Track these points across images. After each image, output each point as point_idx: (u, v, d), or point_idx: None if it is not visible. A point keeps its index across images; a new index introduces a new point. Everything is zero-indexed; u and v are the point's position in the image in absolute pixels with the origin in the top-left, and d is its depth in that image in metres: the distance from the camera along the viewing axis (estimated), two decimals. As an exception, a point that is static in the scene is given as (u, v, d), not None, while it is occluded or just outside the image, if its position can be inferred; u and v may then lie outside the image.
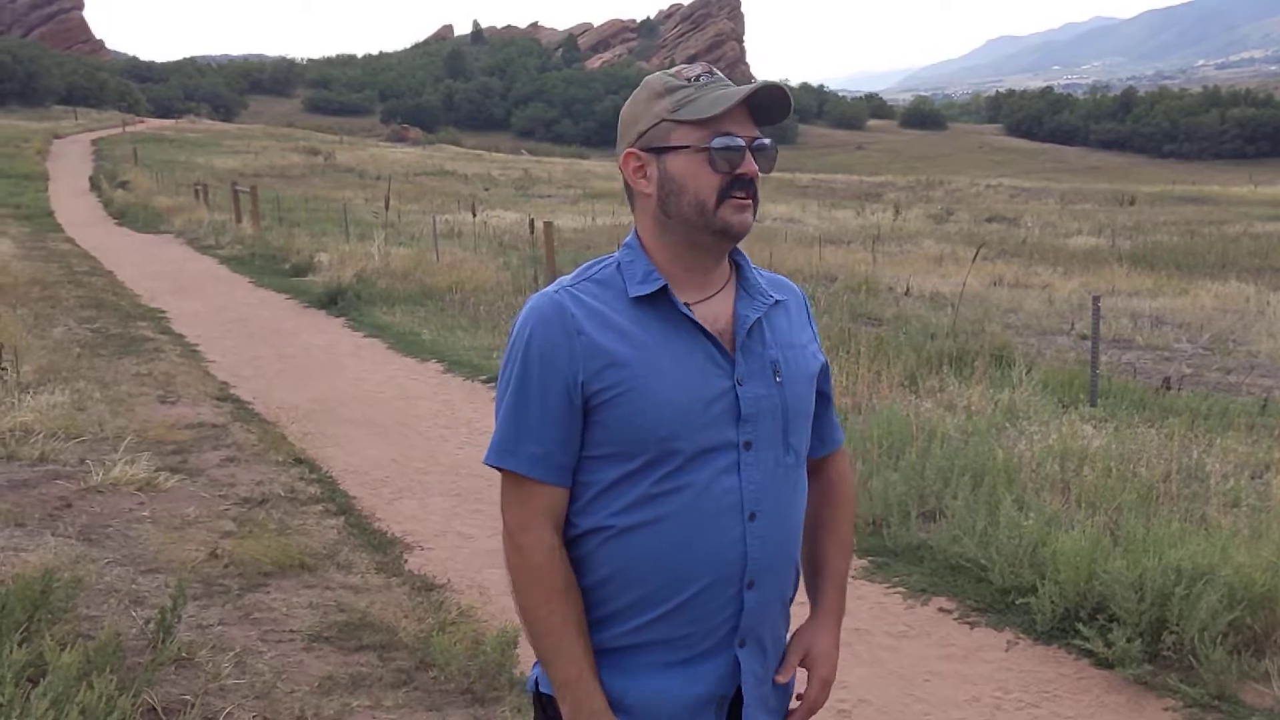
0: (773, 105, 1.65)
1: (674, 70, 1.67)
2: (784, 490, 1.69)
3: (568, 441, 1.62)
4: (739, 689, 1.70)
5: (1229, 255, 24.24)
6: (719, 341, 1.64)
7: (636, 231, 1.71)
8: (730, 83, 1.65)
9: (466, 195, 38.33)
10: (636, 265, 1.66)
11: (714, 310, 1.67)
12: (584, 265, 1.72)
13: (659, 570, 1.62)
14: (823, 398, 1.82)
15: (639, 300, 1.63)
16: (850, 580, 2.03)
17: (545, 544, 1.62)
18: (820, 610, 1.85)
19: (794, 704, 1.81)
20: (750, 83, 1.63)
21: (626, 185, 1.70)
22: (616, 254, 1.71)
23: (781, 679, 1.75)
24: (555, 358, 1.61)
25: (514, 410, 1.64)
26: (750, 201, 1.63)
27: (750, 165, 1.62)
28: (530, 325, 1.63)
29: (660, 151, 1.64)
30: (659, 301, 1.64)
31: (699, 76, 1.65)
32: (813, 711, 1.80)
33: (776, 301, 1.74)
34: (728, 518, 1.62)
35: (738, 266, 1.73)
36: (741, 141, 1.61)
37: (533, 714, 1.77)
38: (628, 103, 1.70)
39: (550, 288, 1.68)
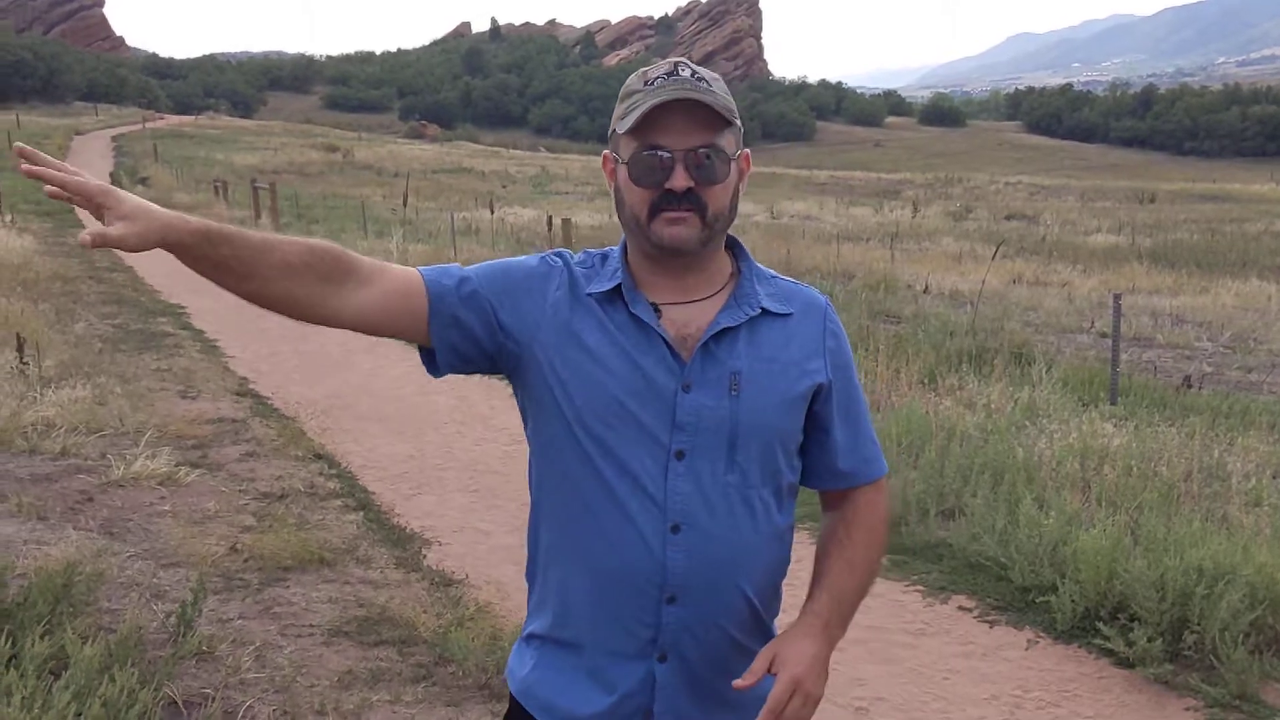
0: (721, 107, 1.55)
1: (643, 70, 1.60)
2: (722, 509, 1.59)
3: (472, 302, 1.61)
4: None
5: (1250, 254, 24.02)
6: (672, 345, 1.59)
7: None
8: (689, 83, 1.54)
9: (484, 192, 38.37)
10: (613, 260, 1.66)
11: (689, 315, 1.62)
12: (593, 249, 1.72)
13: (572, 550, 1.63)
14: (818, 424, 1.69)
15: (606, 292, 1.63)
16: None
17: (352, 256, 1.57)
18: (803, 613, 1.66)
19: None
20: (697, 87, 1.54)
21: None
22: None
23: (740, 683, 1.57)
24: (533, 275, 1.65)
25: (490, 263, 1.70)
26: (687, 215, 1.55)
27: (679, 180, 1.53)
28: (547, 253, 1.71)
29: (616, 161, 1.62)
30: (619, 297, 1.63)
31: (657, 79, 1.55)
32: (776, 713, 1.56)
33: (766, 311, 1.64)
34: (645, 522, 1.58)
35: (740, 274, 1.68)
36: (666, 155, 1.53)
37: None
38: None
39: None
